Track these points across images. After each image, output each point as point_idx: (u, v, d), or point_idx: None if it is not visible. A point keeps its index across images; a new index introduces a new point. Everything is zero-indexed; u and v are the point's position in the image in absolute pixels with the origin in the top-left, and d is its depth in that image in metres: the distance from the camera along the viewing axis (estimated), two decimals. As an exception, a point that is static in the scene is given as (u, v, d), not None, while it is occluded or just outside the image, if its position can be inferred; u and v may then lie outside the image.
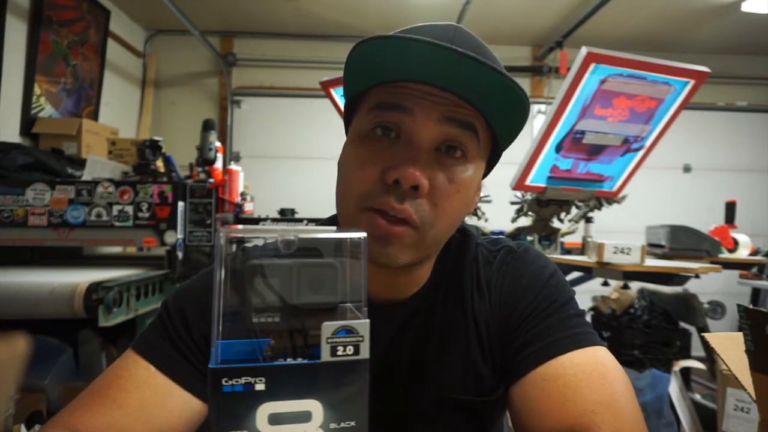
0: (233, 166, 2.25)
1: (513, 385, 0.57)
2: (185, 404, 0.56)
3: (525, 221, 2.34)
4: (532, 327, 0.57)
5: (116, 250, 2.87)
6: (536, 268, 0.63)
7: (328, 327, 0.34)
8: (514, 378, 0.57)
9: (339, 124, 0.70)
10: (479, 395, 0.61)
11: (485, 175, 0.61)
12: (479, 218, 2.31)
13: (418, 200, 0.50)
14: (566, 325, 0.56)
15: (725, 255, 2.42)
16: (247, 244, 0.36)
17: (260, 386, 0.32)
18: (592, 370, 0.52)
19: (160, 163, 2.16)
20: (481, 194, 2.54)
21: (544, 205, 2.15)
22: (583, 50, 1.68)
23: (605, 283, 2.14)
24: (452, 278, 0.64)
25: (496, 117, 0.52)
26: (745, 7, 3.40)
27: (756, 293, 3.19)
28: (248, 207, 2.28)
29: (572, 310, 0.59)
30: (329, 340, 0.34)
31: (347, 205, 0.53)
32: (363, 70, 0.51)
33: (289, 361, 0.34)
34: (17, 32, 2.59)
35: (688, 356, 2.05)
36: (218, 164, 2.16)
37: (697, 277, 1.81)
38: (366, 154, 0.52)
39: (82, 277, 1.63)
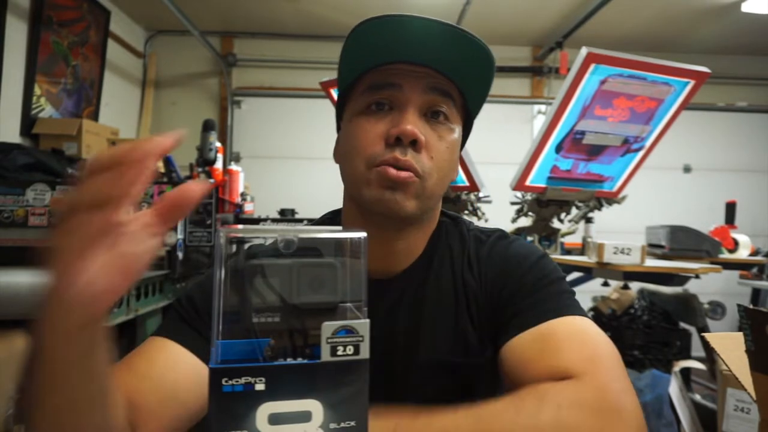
0: (233, 167, 2.25)
1: (504, 346, 0.60)
2: (194, 368, 0.58)
3: (525, 221, 2.34)
4: (521, 300, 0.62)
5: (116, 250, 2.87)
6: (527, 250, 0.68)
7: (328, 327, 0.34)
8: (505, 340, 0.60)
9: (339, 124, 0.71)
10: (467, 357, 0.65)
11: (462, 145, 0.69)
12: (479, 218, 2.31)
13: (418, 154, 0.58)
14: (555, 298, 0.61)
15: (725, 255, 2.42)
16: (247, 244, 0.36)
17: (260, 386, 0.32)
18: (578, 332, 0.56)
19: (160, 164, 2.16)
20: (481, 194, 2.52)
21: (544, 206, 2.15)
22: (583, 50, 1.68)
23: (605, 284, 2.14)
24: (444, 252, 0.69)
25: (467, 82, 0.62)
26: (745, 7, 3.40)
27: (756, 293, 3.19)
28: (248, 207, 2.28)
29: (561, 287, 0.63)
30: (329, 340, 0.34)
31: (357, 168, 0.60)
32: (354, 57, 0.61)
33: (289, 361, 0.34)
34: (17, 32, 2.59)
35: (688, 356, 2.05)
36: (218, 164, 2.17)
37: (697, 277, 1.81)
38: (367, 124, 0.60)
39: (82, 278, 1.63)
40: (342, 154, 0.65)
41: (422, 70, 0.60)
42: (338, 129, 0.69)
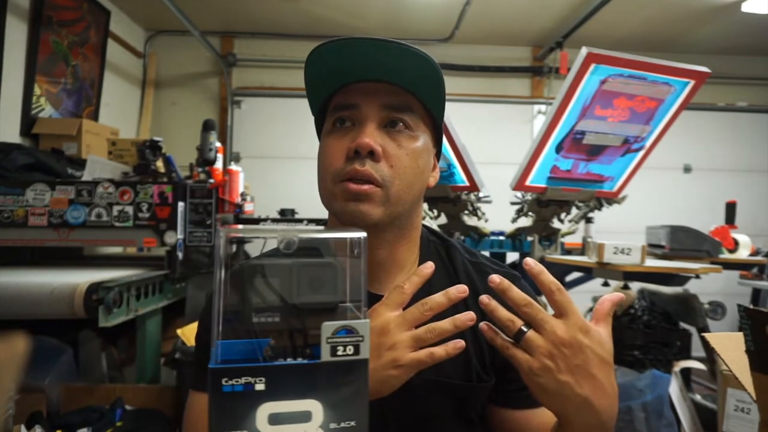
0: (233, 167, 2.24)
1: (499, 408, 0.70)
2: None
3: (525, 221, 2.34)
4: None
5: (116, 250, 2.87)
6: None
7: (328, 327, 0.34)
8: (503, 403, 0.69)
9: (339, 124, 0.72)
10: (468, 381, 0.67)
11: (437, 152, 0.72)
12: (479, 218, 2.31)
13: (376, 163, 0.61)
14: None
15: (725, 255, 2.42)
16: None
17: (260, 386, 0.32)
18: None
19: (160, 164, 2.16)
20: (481, 194, 2.51)
21: (544, 206, 2.15)
22: (583, 50, 1.68)
23: (605, 284, 2.14)
24: (440, 272, 0.70)
25: (422, 90, 0.65)
26: (745, 8, 3.40)
27: (756, 293, 3.19)
28: (248, 207, 2.28)
29: None
30: (329, 340, 0.34)
31: (326, 184, 0.64)
32: (316, 83, 0.66)
33: (289, 361, 0.34)
34: (17, 32, 2.59)
35: (688, 356, 2.05)
36: (218, 164, 2.16)
37: (697, 277, 1.81)
38: (332, 142, 0.64)
39: (82, 278, 1.63)
40: (317, 170, 0.69)
41: (378, 86, 0.63)
42: None
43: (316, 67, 0.64)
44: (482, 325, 0.54)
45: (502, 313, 0.52)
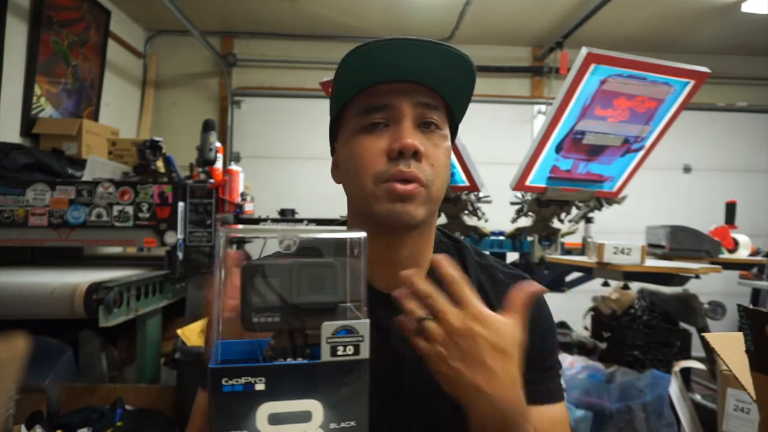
0: (233, 167, 2.24)
1: None
2: None
3: (525, 221, 2.34)
4: (536, 367, 0.67)
5: (116, 250, 2.87)
6: (545, 316, 0.73)
7: (328, 327, 0.34)
8: None
9: (339, 124, 0.72)
10: None
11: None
12: (479, 218, 2.31)
13: (420, 163, 0.62)
14: (555, 377, 0.71)
15: (725, 255, 2.42)
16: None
17: (260, 386, 0.32)
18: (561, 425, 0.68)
19: (160, 164, 2.16)
20: (481, 194, 2.51)
21: (544, 206, 2.14)
22: (583, 51, 1.68)
23: (605, 284, 2.14)
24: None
25: (449, 90, 0.65)
26: (745, 8, 3.40)
27: (756, 293, 3.19)
28: (248, 207, 2.28)
29: (558, 361, 0.74)
30: (329, 340, 0.34)
31: (365, 186, 0.63)
32: (345, 83, 0.64)
33: (289, 361, 0.34)
34: (17, 33, 2.59)
35: (688, 356, 2.05)
36: (218, 164, 2.16)
37: (697, 277, 1.81)
38: (368, 143, 0.63)
39: (82, 278, 1.63)
40: (345, 173, 0.67)
41: (409, 86, 0.63)
42: (332, 151, 0.73)
43: (348, 67, 0.63)
44: (397, 318, 0.55)
45: (409, 303, 0.53)
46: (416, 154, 0.61)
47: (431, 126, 0.64)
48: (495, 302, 0.69)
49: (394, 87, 0.63)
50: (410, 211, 0.61)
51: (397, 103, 0.63)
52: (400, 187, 0.60)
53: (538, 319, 0.69)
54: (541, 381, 0.68)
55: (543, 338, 0.69)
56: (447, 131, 0.67)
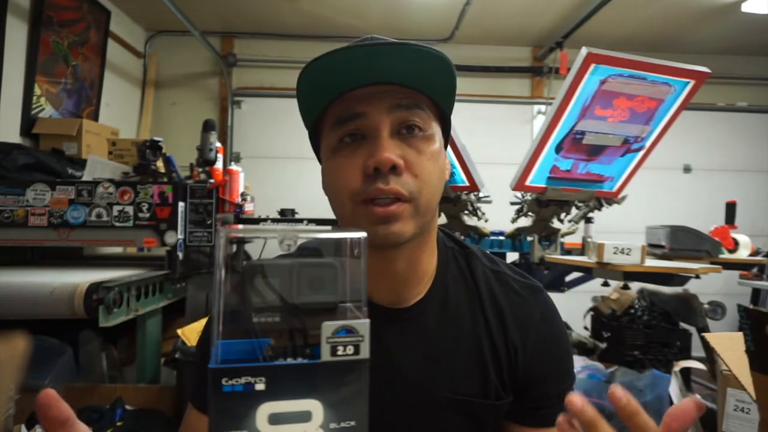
0: (233, 167, 2.24)
1: (514, 424, 0.68)
2: None
3: (525, 221, 2.34)
4: (551, 386, 0.66)
5: (116, 250, 2.87)
6: (563, 331, 0.70)
7: (328, 327, 0.34)
8: (518, 419, 0.67)
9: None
10: (486, 398, 0.64)
11: (445, 143, 0.67)
12: (479, 218, 2.31)
13: (400, 177, 0.56)
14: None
15: (725, 255, 2.42)
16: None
17: (260, 386, 0.32)
18: None
19: (160, 164, 2.16)
20: (481, 194, 2.51)
21: (544, 206, 2.15)
22: (583, 51, 1.68)
23: (605, 284, 2.14)
24: (458, 284, 0.68)
25: (432, 87, 0.60)
26: (745, 8, 3.40)
27: (756, 293, 3.19)
28: (248, 207, 2.27)
29: (574, 378, 0.71)
30: (329, 340, 0.34)
31: (344, 207, 0.59)
32: (312, 96, 0.59)
33: (289, 361, 0.34)
34: (18, 32, 2.59)
35: (688, 356, 2.05)
36: (218, 165, 2.16)
37: (697, 277, 1.81)
38: (343, 160, 0.58)
39: (82, 278, 1.63)
40: (327, 190, 0.63)
41: (383, 89, 0.58)
42: (319, 161, 0.68)
43: (308, 82, 0.58)
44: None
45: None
46: (394, 169, 0.55)
47: (414, 129, 0.58)
48: (509, 313, 0.66)
49: (366, 91, 0.57)
50: (396, 231, 0.56)
51: (370, 110, 0.57)
52: (379, 210, 0.55)
53: (553, 351, 0.68)
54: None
55: (560, 364, 0.68)
56: (434, 129, 0.61)
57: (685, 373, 1.94)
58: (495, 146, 3.94)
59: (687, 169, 4.39)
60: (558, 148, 1.93)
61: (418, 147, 0.58)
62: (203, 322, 1.89)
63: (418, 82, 0.58)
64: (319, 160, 0.67)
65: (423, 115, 0.59)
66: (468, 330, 0.65)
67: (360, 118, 0.57)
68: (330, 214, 0.69)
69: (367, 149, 0.57)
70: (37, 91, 2.73)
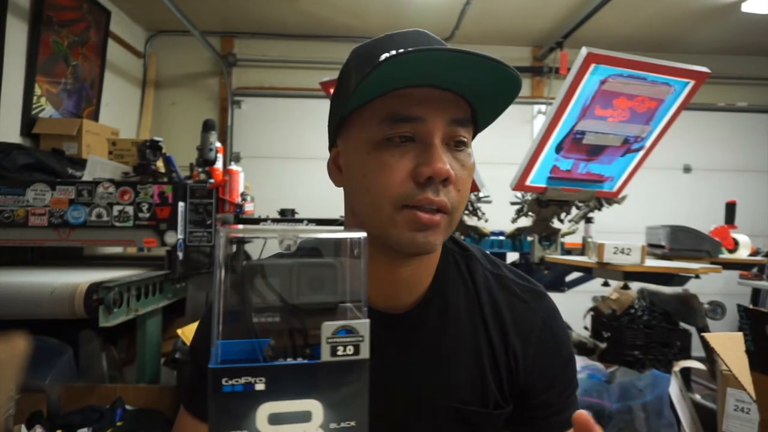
0: (233, 167, 2.24)
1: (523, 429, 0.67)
2: None
3: (525, 221, 2.34)
4: (553, 395, 0.66)
5: (117, 250, 2.87)
6: (566, 338, 0.69)
7: (328, 327, 0.34)
8: (523, 427, 0.66)
9: (339, 124, 0.69)
10: (484, 407, 0.64)
11: None
12: (479, 218, 2.31)
13: (448, 190, 0.56)
14: (574, 402, 0.68)
15: (725, 255, 2.42)
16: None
17: (260, 386, 0.32)
18: None
19: (160, 164, 2.16)
20: (481, 194, 2.52)
21: (544, 206, 2.15)
22: (583, 51, 1.68)
23: (605, 284, 2.14)
24: (458, 287, 0.66)
25: (487, 103, 0.58)
26: (745, 8, 3.40)
27: (756, 293, 3.20)
28: (248, 207, 2.27)
29: (577, 384, 0.70)
30: (329, 340, 0.34)
31: (382, 208, 0.56)
32: (371, 84, 0.53)
33: (289, 361, 0.34)
34: (18, 33, 2.59)
35: (688, 356, 2.05)
36: (218, 165, 2.16)
37: (697, 277, 1.81)
38: (390, 160, 0.55)
39: (82, 278, 1.63)
40: (353, 183, 0.59)
41: (442, 95, 0.55)
42: (333, 144, 0.65)
43: (380, 68, 0.51)
44: None
45: None
46: (446, 180, 0.54)
47: (461, 145, 0.57)
48: (510, 319, 0.66)
49: (426, 94, 0.55)
50: (432, 240, 0.56)
51: (429, 116, 0.55)
52: (425, 217, 0.54)
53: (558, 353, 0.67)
54: (570, 406, 0.66)
55: (564, 370, 0.68)
56: (471, 147, 0.60)
57: (685, 373, 1.94)
58: (495, 146, 3.94)
59: (687, 169, 4.40)
60: (558, 148, 1.93)
61: (462, 161, 0.58)
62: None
63: (474, 98, 0.57)
64: (332, 142, 0.64)
65: (469, 130, 0.59)
66: (467, 336, 0.64)
67: (417, 122, 0.55)
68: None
69: (418, 155, 0.55)
70: (38, 91, 2.73)
